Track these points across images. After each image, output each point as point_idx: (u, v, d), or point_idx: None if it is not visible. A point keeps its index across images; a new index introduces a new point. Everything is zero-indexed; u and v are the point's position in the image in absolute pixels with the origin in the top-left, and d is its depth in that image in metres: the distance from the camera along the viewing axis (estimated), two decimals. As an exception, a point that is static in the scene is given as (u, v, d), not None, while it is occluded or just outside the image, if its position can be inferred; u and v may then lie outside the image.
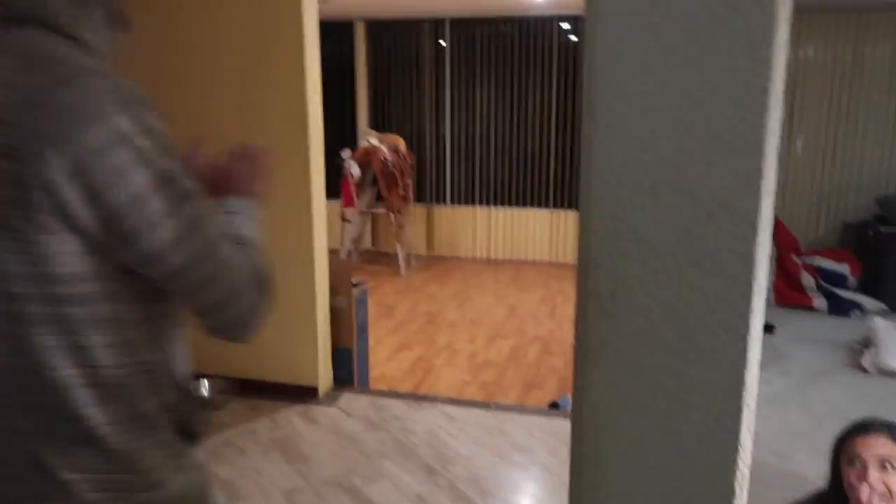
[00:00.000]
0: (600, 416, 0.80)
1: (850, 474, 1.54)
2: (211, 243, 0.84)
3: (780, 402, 3.57)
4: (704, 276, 0.74)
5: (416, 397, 3.35)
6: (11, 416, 0.79)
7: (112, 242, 0.76)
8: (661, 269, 0.75)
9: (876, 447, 1.54)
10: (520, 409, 3.30)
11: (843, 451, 1.58)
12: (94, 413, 0.79)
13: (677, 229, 0.74)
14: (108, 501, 0.82)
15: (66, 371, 0.77)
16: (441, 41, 6.55)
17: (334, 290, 3.31)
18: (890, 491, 1.50)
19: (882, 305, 4.98)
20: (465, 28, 6.45)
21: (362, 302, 3.45)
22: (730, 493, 0.77)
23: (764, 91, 0.69)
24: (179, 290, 0.85)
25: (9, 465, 0.81)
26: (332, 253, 3.58)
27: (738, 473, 0.77)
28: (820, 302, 5.05)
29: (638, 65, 0.71)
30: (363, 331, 3.47)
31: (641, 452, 0.79)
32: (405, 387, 3.60)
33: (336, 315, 3.32)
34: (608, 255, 0.76)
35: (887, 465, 1.53)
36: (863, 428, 1.58)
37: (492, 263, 6.38)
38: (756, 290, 0.74)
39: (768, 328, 4.62)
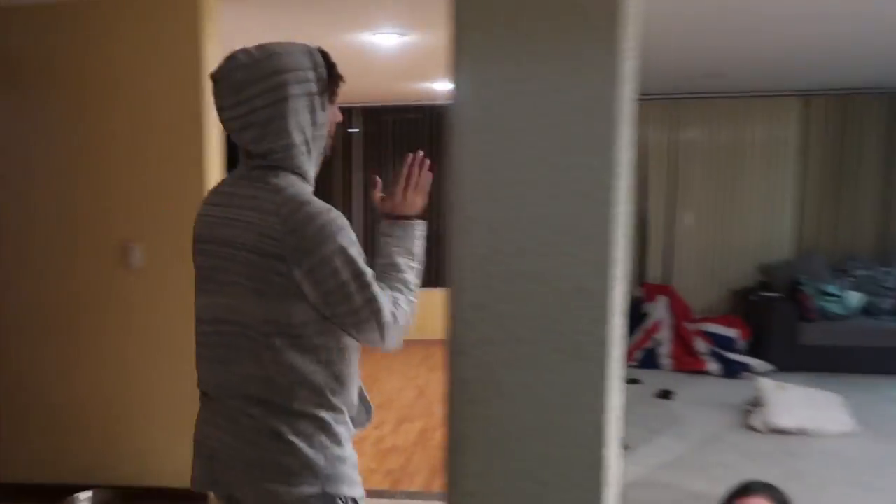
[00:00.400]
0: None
1: None
2: (373, 300, 1.32)
3: (678, 466, 3.67)
4: (564, 359, 0.77)
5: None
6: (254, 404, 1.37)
7: (324, 308, 1.31)
8: (524, 355, 0.78)
9: (759, 509, 1.61)
10: (426, 495, 3.22)
11: (730, 512, 1.65)
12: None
13: (538, 316, 0.77)
14: (314, 453, 1.35)
15: (289, 377, 1.33)
16: (350, 129, 6.70)
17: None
18: None
19: (769, 366, 5.28)
20: (375, 115, 6.66)
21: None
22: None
23: (608, 187, 0.75)
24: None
25: (256, 434, 1.36)
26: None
27: (606, 551, 0.78)
28: (713, 366, 5.30)
29: (498, 164, 0.76)
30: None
31: (516, 540, 0.79)
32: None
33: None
34: (473, 342, 0.78)
35: (770, 525, 1.60)
36: (744, 490, 1.66)
37: (403, 344, 6.33)
38: (612, 370, 0.78)
39: (667, 394, 4.80)
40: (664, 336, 5.55)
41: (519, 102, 0.73)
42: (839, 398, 4.34)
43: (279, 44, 1.36)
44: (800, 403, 4.19)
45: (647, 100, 6.12)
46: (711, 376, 5.25)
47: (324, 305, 1.30)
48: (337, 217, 1.31)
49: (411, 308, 1.40)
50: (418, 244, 1.45)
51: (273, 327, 1.32)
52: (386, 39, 3.65)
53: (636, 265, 6.27)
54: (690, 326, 5.58)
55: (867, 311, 5.59)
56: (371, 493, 3.19)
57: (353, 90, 5.68)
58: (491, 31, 0.73)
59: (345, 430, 1.40)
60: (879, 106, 5.95)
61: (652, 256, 6.24)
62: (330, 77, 1.37)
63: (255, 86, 1.31)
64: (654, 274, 6.22)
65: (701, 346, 5.44)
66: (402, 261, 1.42)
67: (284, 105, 1.32)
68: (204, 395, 1.45)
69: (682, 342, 5.49)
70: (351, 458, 1.40)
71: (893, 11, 3.26)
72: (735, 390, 4.80)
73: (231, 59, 1.36)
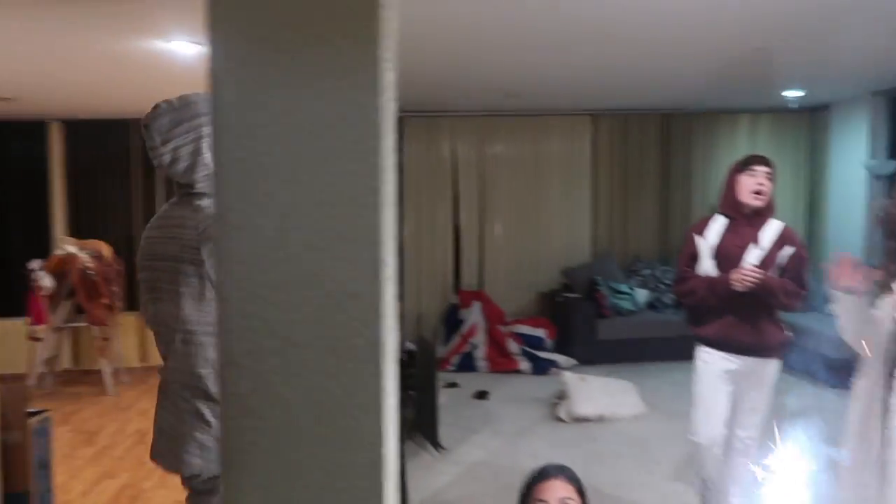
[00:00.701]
0: (252, 519, 0.77)
1: None
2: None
3: (494, 461, 3.86)
4: (339, 362, 0.78)
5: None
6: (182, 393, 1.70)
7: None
8: (299, 361, 0.77)
9: (556, 490, 1.73)
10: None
11: (529, 497, 1.75)
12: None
13: (311, 321, 0.77)
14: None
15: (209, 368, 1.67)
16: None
17: (5, 424, 2.78)
18: None
19: (573, 361, 5.74)
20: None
21: (43, 433, 2.94)
22: (384, 570, 0.80)
23: (376, 191, 0.77)
24: None
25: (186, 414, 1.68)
26: (15, 378, 3.04)
27: (389, 549, 0.80)
28: (524, 364, 5.65)
29: (265, 173, 0.74)
30: (44, 467, 2.94)
31: (297, 549, 0.78)
32: (108, 520, 3.15)
33: (7, 453, 2.78)
34: (245, 352, 0.76)
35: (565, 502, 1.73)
36: (542, 474, 1.77)
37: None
38: (386, 371, 0.80)
39: (483, 395, 5.03)
40: (479, 339, 5.82)
41: (280, 109, 0.73)
42: (631, 385, 4.83)
43: (195, 93, 1.74)
44: (598, 393, 4.60)
45: (457, 116, 6.41)
46: (523, 374, 5.59)
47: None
48: None
49: None
50: None
51: (193, 325, 1.71)
52: (182, 48, 3.47)
53: (451, 274, 6.52)
54: (503, 329, 5.91)
55: (652, 305, 6.29)
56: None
57: (146, 100, 5.32)
58: (249, 39, 0.72)
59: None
60: (655, 125, 6.75)
61: (465, 265, 6.52)
62: None
63: (177, 129, 1.70)
64: (469, 281, 6.50)
65: (513, 346, 5.78)
66: None
67: (201, 142, 1.71)
68: (160, 382, 1.84)
69: (496, 344, 5.79)
70: None
71: (665, 37, 3.71)
72: (544, 386, 5.16)
73: (156, 109, 1.73)
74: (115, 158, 6.18)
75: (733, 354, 2.82)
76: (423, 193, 6.42)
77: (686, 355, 5.36)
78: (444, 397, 4.94)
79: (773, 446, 2.78)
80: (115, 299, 5.46)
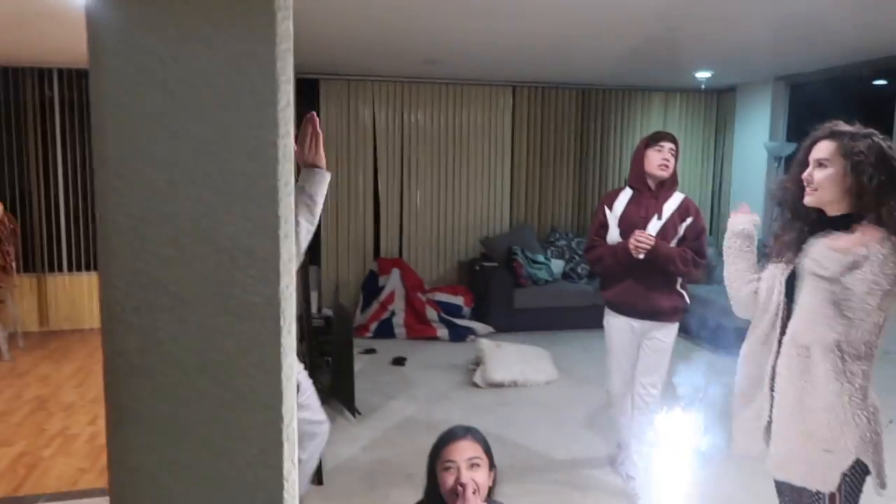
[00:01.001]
0: (141, 479, 0.75)
1: (447, 478, 1.74)
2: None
3: (409, 426, 3.91)
4: (234, 320, 0.76)
5: (9, 501, 2.81)
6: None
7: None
8: (191, 319, 0.75)
9: (463, 451, 1.77)
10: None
11: (438, 459, 1.78)
12: None
13: (204, 278, 0.75)
14: None
15: None
16: (49, 92, 5.80)
17: None
18: (478, 486, 1.74)
19: (489, 328, 5.85)
20: (79, 79, 5.84)
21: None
22: (281, 528, 0.80)
23: (273, 145, 0.75)
24: None
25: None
26: None
27: (286, 506, 0.80)
28: (442, 331, 5.72)
29: (149, 119, 0.71)
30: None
31: (189, 509, 0.77)
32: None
33: None
34: (132, 309, 0.73)
35: (474, 464, 1.77)
36: (450, 437, 1.81)
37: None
38: (285, 330, 0.79)
39: (401, 361, 5.06)
40: (398, 307, 5.83)
41: (168, 54, 0.69)
42: (545, 352, 4.98)
43: None
44: (513, 359, 4.72)
45: (378, 81, 6.31)
46: (441, 341, 5.66)
47: None
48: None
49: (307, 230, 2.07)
50: (322, 190, 2.11)
51: None
52: (83, -8, 3.23)
53: (371, 241, 6.48)
54: (422, 296, 5.95)
55: (567, 275, 6.47)
56: (80, 495, 2.90)
57: (50, 48, 4.95)
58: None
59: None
60: (573, 99, 6.87)
61: (385, 232, 6.50)
62: None
63: None
64: (388, 248, 6.49)
65: (431, 314, 5.83)
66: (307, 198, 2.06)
67: None
68: None
69: (415, 311, 5.82)
70: None
71: (583, 12, 3.76)
72: (461, 352, 5.24)
73: None
74: (6, 109, 5.73)
75: (632, 317, 3.05)
76: (342, 159, 6.32)
77: (598, 324, 5.57)
78: (361, 363, 4.94)
79: (669, 405, 2.98)
80: (9, 260, 5.13)
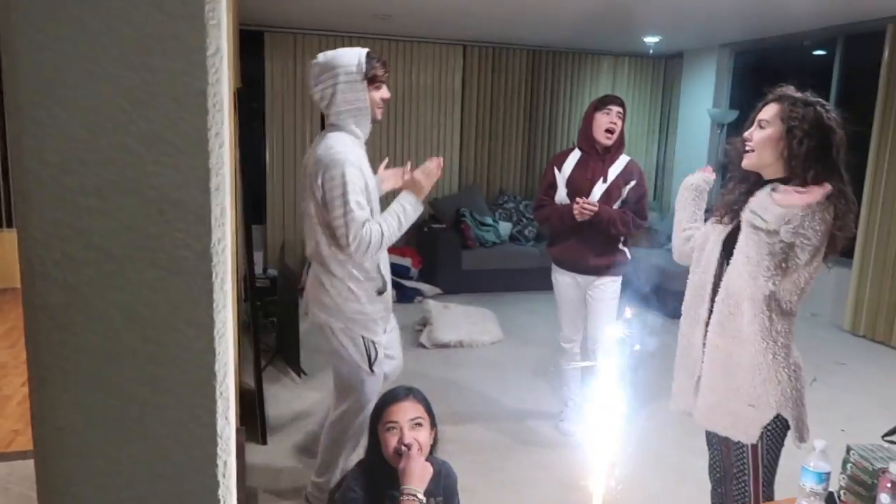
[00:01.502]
0: (66, 438, 0.73)
1: (390, 438, 1.75)
2: (347, 217, 2.21)
3: (356, 387, 3.92)
4: (164, 275, 0.73)
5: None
6: (315, 265, 2.43)
7: (326, 212, 2.24)
8: (118, 273, 0.72)
9: (405, 412, 1.78)
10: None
11: (380, 420, 1.79)
12: None
13: (130, 230, 0.72)
14: (341, 301, 2.39)
15: (330, 252, 2.37)
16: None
17: None
18: (421, 445, 1.76)
19: (437, 290, 5.89)
20: None
21: None
22: (214, 484, 0.79)
23: (202, 93, 0.71)
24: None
25: (315, 281, 2.38)
26: None
27: (220, 463, 0.79)
28: (390, 293, 5.71)
29: (68, 63, 0.66)
30: None
31: (118, 467, 0.75)
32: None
33: None
34: (54, 263, 0.70)
35: (416, 424, 1.79)
36: (392, 397, 1.82)
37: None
38: (218, 285, 0.77)
39: (348, 322, 5.05)
40: (346, 268, 5.79)
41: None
42: (491, 313, 5.05)
43: (338, 49, 2.36)
44: (460, 320, 4.78)
45: (327, 35, 6.13)
46: (389, 303, 5.66)
47: (325, 210, 2.27)
48: (346, 159, 2.23)
49: (380, 238, 2.26)
50: (412, 215, 2.39)
51: (322, 221, 2.30)
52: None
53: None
54: (370, 258, 5.91)
55: (515, 238, 6.54)
56: (15, 457, 2.83)
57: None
58: None
59: (363, 292, 2.37)
60: (523, 61, 6.84)
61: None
62: (370, 70, 2.30)
63: (322, 76, 2.31)
64: (337, 209, 6.41)
65: (379, 275, 5.81)
66: (396, 216, 2.34)
67: (336, 88, 2.29)
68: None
69: (363, 273, 5.79)
70: (371, 313, 2.41)
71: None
72: (408, 313, 5.26)
73: (314, 59, 2.36)
74: None
75: (577, 272, 3.21)
76: (288, 116, 6.16)
77: (544, 286, 5.66)
78: (306, 324, 4.91)
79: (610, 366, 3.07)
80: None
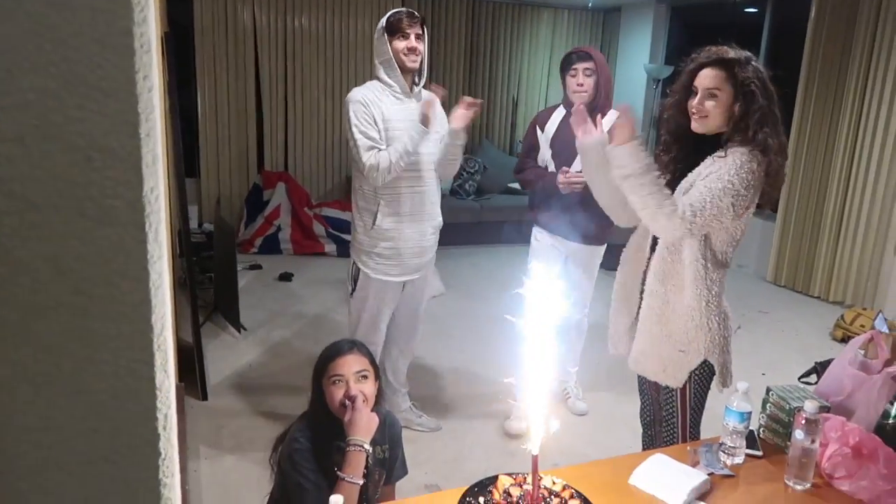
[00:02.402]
0: (-4, 396, 0.71)
1: (336, 392, 1.75)
2: (355, 146, 2.60)
3: (296, 340, 3.91)
4: (94, 225, 0.70)
5: None
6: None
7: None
8: (44, 224, 0.69)
9: (351, 364, 1.78)
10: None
11: (325, 374, 1.79)
12: None
13: (55, 179, 0.68)
14: (356, 229, 2.80)
15: (355, 185, 2.78)
16: None
17: None
18: (366, 396, 1.77)
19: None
20: None
21: None
22: (155, 438, 0.78)
23: (128, 33, 0.68)
24: None
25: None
26: None
27: (161, 416, 0.78)
28: (330, 247, 5.67)
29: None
30: None
31: (53, 422, 0.73)
32: None
33: None
34: (-28, 213, 0.66)
35: (362, 376, 1.79)
36: (336, 351, 1.81)
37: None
38: (151, 236, 0.74)
39: (287, 277, 5.00)
40: (284, 222, 5.70)
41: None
42: (434, 268, 5.07)
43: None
44: (401, 273, 4.77)
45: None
46: (329, 257, 5.62)
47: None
48: (352, 98, 2.59)
49: (388, 162, 2.52)
50: (412, 143, 2.54)
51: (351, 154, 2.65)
52: None
53: (255, 152, 6.20)
54: (309, 211, 5.82)
55: (455, 192, 6.54)
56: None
57: None
58: None
59: (360, 222, 2.71)
60: (462, 10, 6.74)
61: (269, 144, 6.23)
62: (388, 24, 2.61)
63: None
64: (273, 161, 6.25)
65: (319, 229, 5.74)
66: (403, 144, 2.54)
67: (374, 43, 2.68)
68: None
69: (302, 227, 5.71)
70: (364, 244, 2.72)
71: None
72: (346, 267, 5.22)
73: None
74: None
75: (558, 236, 3.05)
76: (220, 65, 5.91)
77: (483, 240, 5.66)
78: (246, 279, 4.83)
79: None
80: None
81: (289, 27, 6.07)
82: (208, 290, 4.41)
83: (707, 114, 1.86)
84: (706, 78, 1.86)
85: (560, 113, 3.00)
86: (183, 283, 3.90)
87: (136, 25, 0.68)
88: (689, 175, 1.91)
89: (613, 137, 1.90)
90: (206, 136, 5.97)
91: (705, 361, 1.94)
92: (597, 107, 2.82)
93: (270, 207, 5.73)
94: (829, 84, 5.01)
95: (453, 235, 6.12)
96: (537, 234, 3.14)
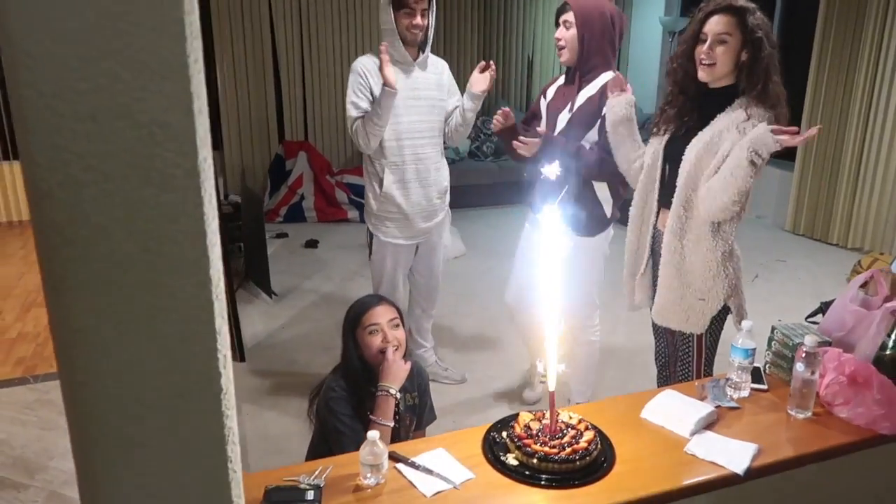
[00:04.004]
0: (87, 338, 0.83)
1: (373, 340, 1.87)
2: (348, 110, 2.73)
3: (325, 303, 4.06)
4: (157, 192, 0.81)
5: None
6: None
7: None
8: (116, 192, 0.80)
9: (383, 314, 1.90)
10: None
11: (359, 324, 1.90)
12: None
13: (124, 152, 0.79)
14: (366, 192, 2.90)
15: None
16: None
17: None
18: (400, 342, 1.90)
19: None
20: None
21: None
22: (216, 375, 0.90)
23: (179, 21, 0.78)
24: None
25: None
26: None
27: (220, 357, 0.90)
28: (353, 213, 5.79)
29: (55, -3, 0.72)
30: None
31: (132, 362, 0.86)
32: None
33: None
34: (58, 184, 0.77)
35: (395, 324, 1.91)
36: (367, 304, 1.93)
37: (17, 227, 5.48)
38: (207, 199, 0.85)
39: (313, 243, 5.13)
40: (307, 190, 5.81)
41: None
42: (453, 228, 5.16)
43: None
44: (422, 236, 4.88)
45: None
46: (352, 223, 5.74)
47: None
48: (352, 69, 2.69)
49: (363, 131, 2.62)
50: (384, 103, 2.56)
51: None
52: None
53: (275, 123, 6.30)
54: (330, 179, 5.93)
55: (473, 154, 6.60)
56: (2, 384, 2.91)
57: None
58: None
59: (370, 187, 2.82)
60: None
61: (288, 114, 6.32)
62: None
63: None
64: (293, 131, 6.35)
65: (341, 196, 5.86)
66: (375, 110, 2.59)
67: (380, 12, 2.66)
68: None
69: (324, 194, 5.83)
70: (374, 208, 2.82)
71: None
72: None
73: None
74: None
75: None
76: (237, 36, 5.97)
77: (502, 201, 5.72)
78: (273, 247, 4.98)
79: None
80: None
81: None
82: (239, 259, 4.57)
83: (715, 60, 1.89)
84: (716, 24, 1.88)
85: (561, 80, 2.63)
86: (214, 253, 4.05)
87: (186, 14, 0.78)
88: (702, 133, 1.95)
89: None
90: (226, 109, 6.07)
91: (724, 306, 2.03)
92: (582, 68, 2.46)
93: (293, 177, 5.85)
94: (846, 30, 4.94)
95: (473, 197, 6.21)
96: (531, 217, 2.75)
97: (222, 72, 6.00)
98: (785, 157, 5.60)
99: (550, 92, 2.66)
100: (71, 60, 0.74)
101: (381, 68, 2.55)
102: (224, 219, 4.59)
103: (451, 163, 6.24)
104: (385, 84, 2.53)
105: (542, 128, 2.57)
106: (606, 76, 2.43)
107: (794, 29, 5.62)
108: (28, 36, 0.72)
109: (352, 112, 2.63)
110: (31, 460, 2.41)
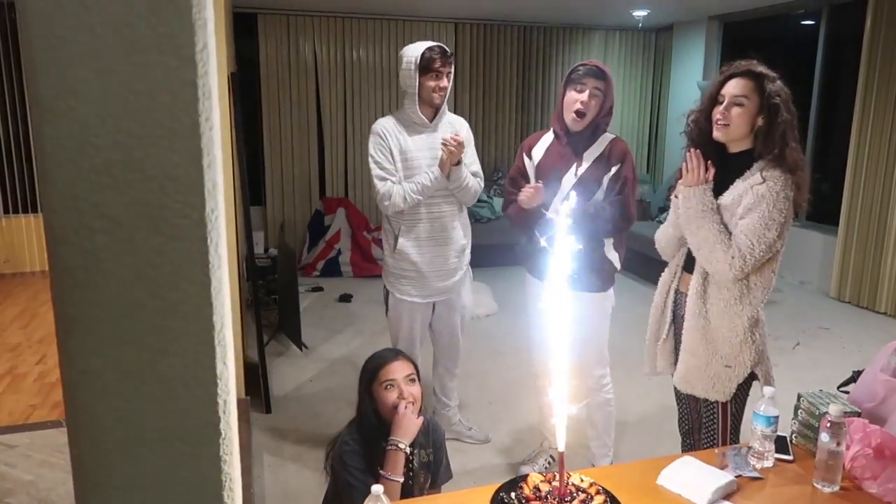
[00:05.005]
0: (89, 380, 0.87)
1: (389, 395, 1.88)
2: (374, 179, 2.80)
3: (354, 358, 4.08)
4: (166, 240, 0.86)
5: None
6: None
7: None
8: (127, 240, 0.85)
9: (399, 370, 1.91)
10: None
11: (376, 380, 1.92)
12: None
13: (136, 203, 0.84)
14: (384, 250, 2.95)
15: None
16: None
17: None
18: (416, 398, 1.90)
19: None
20: (11, 11, 5.54)
21: None
22: (216, 419, 0.92)
23: (192, 84, 0.84)
24: None
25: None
26: None
27: (221, 401, 0.93)
28: (388, 269, 5.85)
29: (76, 59, 0.79)
30: None
31: (135, 404, 0.89)
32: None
33: None
34: (73, 231, 0.83)
35: (411, 380, 1.92)
36: (384, 359, 1.94)
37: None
38: (213, 249, 0.90)
39: (347, 298, 5.19)
40: (344, 245, 5.92)
41: (94, 1, 0.77)
42: (487, 287, 5.18)
43: (411, 44, 2.76)
44: (455, 293, 4.90)
45: (318, 16, 6.20)
46: (386, 279, 5.80)
47: None
48: (373, 130, 2.76)
49: (401, 197, 2.68)
50: (432, 185, 2.69)
51: None
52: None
53: (317, 180, 6.49)
54: (367, 235, 6.04)
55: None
56: (33, 428, 2.99)
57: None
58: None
59: (386, 244, 2.84)
60: (515, 37, 6.90)
61: (329, 171, 6.51)
62: (423, 62, 2.67)
63: (399, 64, 2.74)
64: (333, 188, 6.52)
65: (377, 252, 5.94)
66: (420, 184, 2.69)
67: (401, 75, 2.74)
68: None
69: (360, 250, 5.93)
70: (391, 266, 2.84)
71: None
72: (406, 288, 5.39)
73: None
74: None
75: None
76: (284, 97, 6.24)
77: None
78: (308, 301, 5.06)
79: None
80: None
81: (347, 60, 6.37)
82: (273, 311, 4.65)
83: (730, 121, 1.91)
84: (735, 86, 1.91)
85: (549, 138, 2.60)
86: (249, 305, 4.15)
87: (199, 78, 0.84)
88: (722, 198, 1.95)
89: (682, 178, 1.99)
90: (270, 166, 6.30)
91: (750, 373, 1.97)
92: (591, 133, 2.49)
93: (331, 232, 5.98)
94: (888, 94, 4.89)
95: (506, 256, 6.22)
96: (528, 285, 2.78)
97: (268, 130, 6.25)
98: (828, 220, 5.48)
99: (538, 151, 2.60)
100: (91, 119, 0.80)
101: (441, 165, 2.69)
102: (260, 272, 4.70)
103: (487, 221, 6.31)
104: (441, 167, 2.67)
105: (539, 183, 2.50)
106: (608, 136, 2.54)
107: (836, 84, 5.60)
108: (54, 97, 0.79)
109: (376, 173, 2.70)
110: (54, 503, 2.45)
